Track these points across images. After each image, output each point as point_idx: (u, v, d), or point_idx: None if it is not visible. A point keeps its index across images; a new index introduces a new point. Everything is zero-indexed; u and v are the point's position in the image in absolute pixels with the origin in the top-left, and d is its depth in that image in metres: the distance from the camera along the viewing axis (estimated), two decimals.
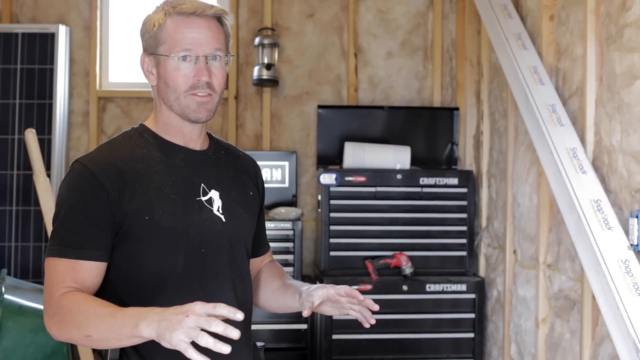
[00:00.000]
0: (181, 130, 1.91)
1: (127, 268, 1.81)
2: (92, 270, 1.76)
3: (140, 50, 1.97)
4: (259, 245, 2.15)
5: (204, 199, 1.89)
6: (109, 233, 1.78)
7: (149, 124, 1.95)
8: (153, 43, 1.89)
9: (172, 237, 1.81)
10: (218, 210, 1.90)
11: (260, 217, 2.13)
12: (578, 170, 2.77)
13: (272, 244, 4.15)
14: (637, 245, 2.45)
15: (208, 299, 1.81)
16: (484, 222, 4.24)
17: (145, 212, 1.79)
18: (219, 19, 1.91)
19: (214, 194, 1.91)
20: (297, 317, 4.02)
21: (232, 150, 2.09)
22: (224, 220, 1.90)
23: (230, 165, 2.02)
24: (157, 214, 1.80)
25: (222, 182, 1.95)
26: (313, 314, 4.04)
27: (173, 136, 1.92)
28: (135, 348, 1.80)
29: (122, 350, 1.80)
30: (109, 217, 1.77)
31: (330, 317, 3.98)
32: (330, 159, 4.52)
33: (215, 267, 1.87)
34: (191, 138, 1.93)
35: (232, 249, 1.92)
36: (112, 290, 1.81)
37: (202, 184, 1.90)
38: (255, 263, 2.14)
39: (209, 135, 2.03)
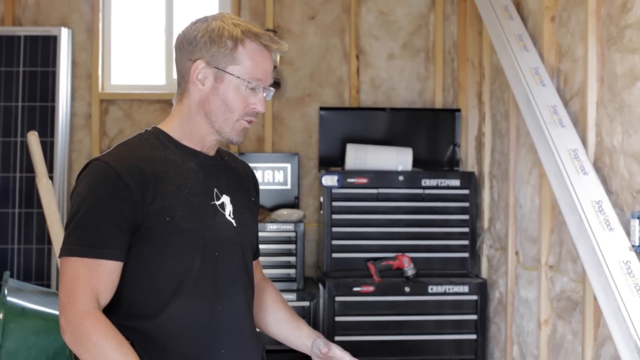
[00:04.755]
0: (203, 140, 1.94)
1: (143, 268, 1.82)
2: (113, 272, 1.77)
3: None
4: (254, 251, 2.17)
5: (217, 203, 1.91)
6: (129, 233, 1.79)
7: (166, 127, 1.94)
8: (223, 58, 1.87)
9: (191, 239, 1.83)
10: (229, 215, 1.93)
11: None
12: (579, 172, 2.77)
13: (274, 246, 4.21)
14: (638, 246, 2.45)
15: (220, 302, 1.86)
16: (486, 224, 4.24)
17: (166, 213, 1.81)
18: None
19: (225, 199, 1.94)
20: None
21: (232, 157, 2.12)
22: (234, 224, 1.93)
23: (234, 171, 2.05)
24: (177, 215, 1.82)
25: (231, 187, 1.98)
26: (315, 314, 4.04)
27: (192, 143, 1.93)
28: (147, 352, 1.80)
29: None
30: (131, 217, 1.78)
31: (333, 318, 3.98)
32: (332, 160, 4.53)
33: (228, 270, 1.89)
34: (209, 148, 1.96)
35: (243, 253, 1.94)
36: (127, 291, 1.82)
37: (215, 189, 1.92)
38: None
39: None
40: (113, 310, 1.81)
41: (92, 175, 1.83)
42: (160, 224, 1.80)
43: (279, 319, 2.13)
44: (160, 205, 1.81)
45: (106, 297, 1.78)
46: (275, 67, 4.60)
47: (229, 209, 1.93)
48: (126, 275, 1.81)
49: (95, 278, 1.75)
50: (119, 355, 1.68)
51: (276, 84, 4.67)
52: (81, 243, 1.76)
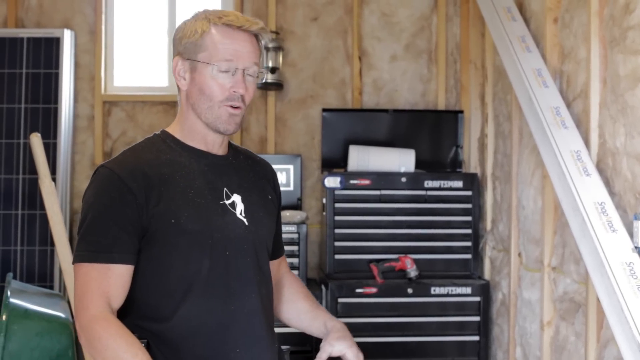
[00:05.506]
0: (205, 138, 1.95)
1: (153, 271, 1.83)
2: (123, 275, 1.79)
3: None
4: (276, 248, 2.16)
5: (227, 202, 1.92)
6: (136, 236, 1.81)
7: (172, 130, 1.97)
8: (193, 49, 1.89)
9: (198, 240, 1.84)
10: (241, 214, 1.93)
11: (277, 220, 2.15)
12: (582, 173, 2.77)
13: None
14: None
15: (233, 302, 1.86)
16: (488, 225, 4.24)
17: (171, 215, 1.82)
18: (256, 35, 1.94)
19: (236, 198, 1.94)
20: None
21: (250, 155, 2.13)
22: (246, 223, 1.93)
23: (250, 170, 2.06)
24: (182, 217, 1.83)
25: (243, 186, 1.98)
26: None
27: (197, 142, 1.95)
28: (162, 352, 1.82)
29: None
30: (137, 221, 1.80)
31: None
32: (334, 162, 4.53)
33: (240, 269, 1.90)
34: (214, 145, 1.97)
35: (255, 252, 1.95)
36: (139, 294, 1.84)
37: (225, 188, 1.93)
38: (272, 266, 2.15)
39: (228, 142, 2.06)
40: (128, 313, 1.84)
41: (97, 182, 1.86)
42: (166, 226, 1.82)
43: (300, 311, 2.14)
44: (165, 207, 1.82)
45: (118, 300, 1.80)
46: (277, 68, 4.61)
47: (239, 207, 1.94)
48: (138, 278, 1.83)
49: (105, 282, 1.77)
50: (129, 356, 1.69)
51: (279, 86, 4.68)
52: (90, 249, 1.79)
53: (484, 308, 4.08)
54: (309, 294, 2.19)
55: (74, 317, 1.78)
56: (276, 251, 2.16)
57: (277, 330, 2.02)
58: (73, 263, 1.81)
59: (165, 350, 1.81)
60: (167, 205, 1.82)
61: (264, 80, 4.59)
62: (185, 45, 1.91)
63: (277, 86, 4.67)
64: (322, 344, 2.02)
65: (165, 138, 1.95)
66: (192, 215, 1.84)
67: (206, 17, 1.90)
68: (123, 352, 1.69)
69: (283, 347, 2.08)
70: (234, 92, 1.88)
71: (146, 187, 1.82)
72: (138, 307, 1.84)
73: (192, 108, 1.92)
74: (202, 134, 1.94)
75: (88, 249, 1.79)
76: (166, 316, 1.82)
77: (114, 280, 1.77)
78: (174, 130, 1.97)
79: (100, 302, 1.75)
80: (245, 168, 2.04)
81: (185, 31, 1.92)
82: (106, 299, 1.76)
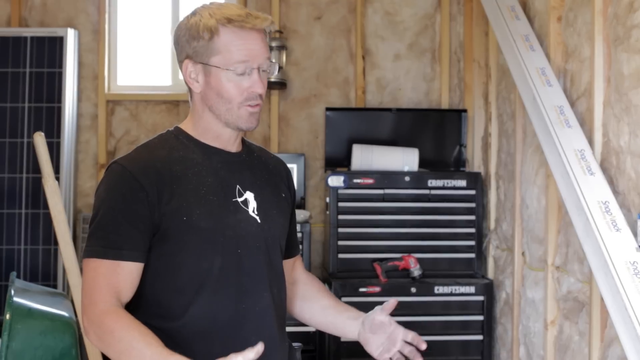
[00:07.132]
0: (220, 135, 1.93)
1: (164, 269, 1.83)
2: (132, 273, 1.79)
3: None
4: (290, 246, 2.15)
5: (239, 200, 1.91)
6: (147, 234, 1.80)
7: (185, 127, 1.96)
8: (204, 52, 1.86)
9: (209, 238, 1.84)
10: (253, 212, 1.92)
11: (292, 219, 2.13)
12: (586, 172, 2.76)
13: None
14: None
15: (244, 300, 1.86)
16: (492, 224, 4.24)
17: (183, 213, 1.82)
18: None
19: (249, 195, 1.93)
20: None
21: (263, 153, 2.12)
22: (259, 221, 1.92)
23: (263, 167, 2.04)
24: (194, 215, 1.82)
25: (256, 183, 1.97)
26: None
27: (210, 139, 1.93)
28: (174, 350, 1.81)
29: None
30: (148, 218, 1.79)
31: None
32: (338, 161, 4.53)
33: (252, 267, 1.89)
34: (228, 142, 1.95)
35: (267, 250, 1.94)
36: (150, 291, 1.84)
37: (238, 186, 1.92)
38: (287, 265, 2.13)
39: (241, 139, 2.05)
40: (138, 311, 1.83)
41: (109, 178, 1.86)
42: (178, 223, 1.81)
43: (325, 306, 2.11)
44: (177, 205, 1.81)
45: (127, 296, 1.80)
46: (281, 67, 4.61)
47: (252, 205, 1.92)
48: (149, 276, 1.83)
49: (114, 278, 1.77)
50: (142, 345, 1.67)
51: (282, 85, 4.68)
52: (100, 244, 1.78)
53: (488, 307, 4.07)
54: (330, 291, 2.18)
55: (82, 312, 1.77)
56: (290, 250, 2.14)
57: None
58: (83, 257, 1.81)
59: (176, 348, 1.80)
60: (179, 203, 1.82)
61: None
62: (195, 48, 1.87)
63: (281, 85, 4.67)
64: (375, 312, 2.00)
65: (179, 134, 1.94)
66: (203, 213, 1.83)
67: (211, 16, 1.86)
68: (137, 342, 1.67)
69: (294, 344, 2.08)
70: (252, 92, 1.87)
71: (158, 184, 1.81)
72: (149, 306, 1.84)
73: (209, 110, 1.90)
74: (217, 133, 1.92)
75: (98, 244, 1.78)
76: (177, 314, 1.82)
77: (122, 277, 1.77)
78: (188, 127, 1.95)
79: (109, 297, 1.75)
80: (259, 165, 2.03)
81: (191, 32, 1.88)
82: (115, 294, 1.76)
